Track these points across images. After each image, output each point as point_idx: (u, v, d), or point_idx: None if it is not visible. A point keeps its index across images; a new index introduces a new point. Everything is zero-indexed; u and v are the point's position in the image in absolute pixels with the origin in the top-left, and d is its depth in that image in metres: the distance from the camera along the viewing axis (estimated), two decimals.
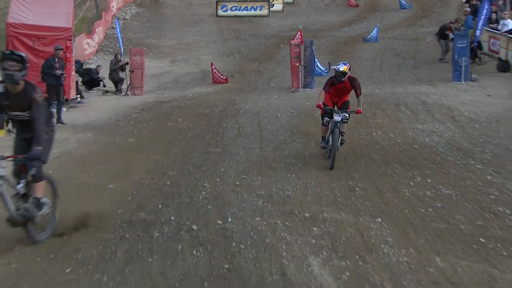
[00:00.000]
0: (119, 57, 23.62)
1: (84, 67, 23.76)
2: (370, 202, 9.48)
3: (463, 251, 7.49)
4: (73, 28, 20.39)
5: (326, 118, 12.35)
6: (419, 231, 8.19)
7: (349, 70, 12.14)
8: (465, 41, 22.25)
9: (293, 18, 33.50)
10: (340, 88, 12.22)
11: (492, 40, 25.18)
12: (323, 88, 12.30)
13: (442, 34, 25.92)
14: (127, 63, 23.09)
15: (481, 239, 7.85)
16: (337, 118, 11.97)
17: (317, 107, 12.22)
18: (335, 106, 12.38)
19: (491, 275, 6.76)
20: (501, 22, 25.23)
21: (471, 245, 7.67)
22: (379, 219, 8.54)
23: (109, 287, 6.53)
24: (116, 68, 23.17)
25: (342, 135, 12.30)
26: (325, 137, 12.49)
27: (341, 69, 11.98)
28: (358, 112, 12.03)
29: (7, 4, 20.96)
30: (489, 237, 7.95)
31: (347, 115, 12.12)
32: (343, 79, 12.06)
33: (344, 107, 12.32)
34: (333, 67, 12.44)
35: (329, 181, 10.64)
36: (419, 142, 13.54)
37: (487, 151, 12.74)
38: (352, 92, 12.36)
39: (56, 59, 17.21)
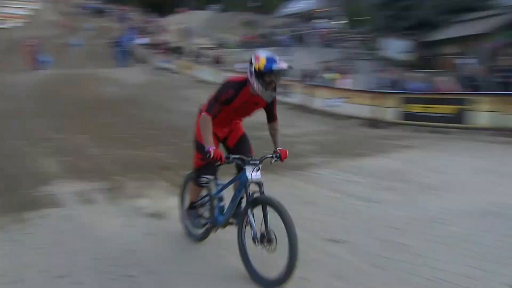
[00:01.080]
0: None
1: None
2: (78, 127, 8.39)
3: (122, 146, 7.13)
4: None
5: (207, 176, 2.61)
6: (106, 140, 7.61)
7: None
8: (122, 48, 22.30)
9: (30, 31, 26.27)
10: (244, 108, 2.45)
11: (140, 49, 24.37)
12: (207, 111, 2.35)
13: (114, 45, 23.89)
14: None
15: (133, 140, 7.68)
16: (255, 175, 2.35)
17: (213, 158, 2.26)
18: (222, 144, 2.64)
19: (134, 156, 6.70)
20: (139, 39, 25.09)
21: (127, 142, 7.46)
22: (87, 135, 7.78)
23: None
24: None
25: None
26: (195, 202, 2.85)
27: (283, 65, 2.34)
28: (284, 157, 2.48)
29: None
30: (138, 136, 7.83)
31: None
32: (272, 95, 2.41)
33: (243, 148, 2.57)
34: (264, 61, 2.31)
35: (69, 121, 9.11)
36: (106, 96, 12.59)
37: (137, 100, 12.60)
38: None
39: None
